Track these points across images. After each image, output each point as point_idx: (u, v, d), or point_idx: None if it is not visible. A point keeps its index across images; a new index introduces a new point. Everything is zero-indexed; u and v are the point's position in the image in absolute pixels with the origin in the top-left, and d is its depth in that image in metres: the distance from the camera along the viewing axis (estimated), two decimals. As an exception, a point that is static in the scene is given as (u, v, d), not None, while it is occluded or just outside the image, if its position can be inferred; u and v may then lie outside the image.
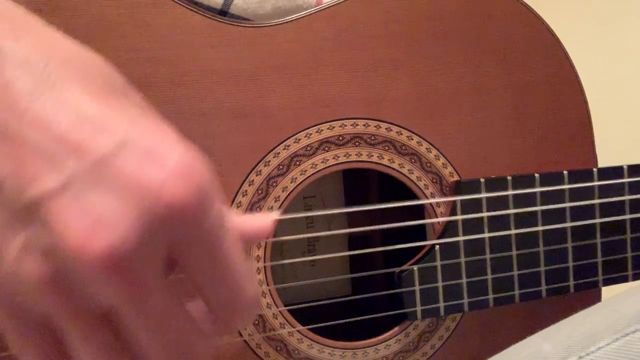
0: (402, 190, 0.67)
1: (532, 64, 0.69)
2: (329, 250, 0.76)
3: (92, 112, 0.31)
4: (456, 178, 0.67)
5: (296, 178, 0.63)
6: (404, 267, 0.66)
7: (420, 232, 0.69)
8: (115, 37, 0.57)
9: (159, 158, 0.31)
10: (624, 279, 0.71)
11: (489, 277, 0.67)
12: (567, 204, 0.68)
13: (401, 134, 0.65)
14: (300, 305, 0.65)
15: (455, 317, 0.68)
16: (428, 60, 0.66)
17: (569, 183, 0.68)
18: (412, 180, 0.66)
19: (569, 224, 0.68)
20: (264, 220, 0.41)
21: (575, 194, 0.68)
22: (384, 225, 0.64)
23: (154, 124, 0.33)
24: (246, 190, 0.61)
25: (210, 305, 0.35)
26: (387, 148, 0.65)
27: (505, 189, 0.67)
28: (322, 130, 0.63)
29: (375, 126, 0.65)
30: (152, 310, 0.32)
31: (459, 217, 0.66)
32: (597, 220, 0.69)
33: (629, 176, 0.70)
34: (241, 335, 0.62)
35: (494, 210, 0.66)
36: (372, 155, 0.65)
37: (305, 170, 0.63)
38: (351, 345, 0.65)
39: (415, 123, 0.66)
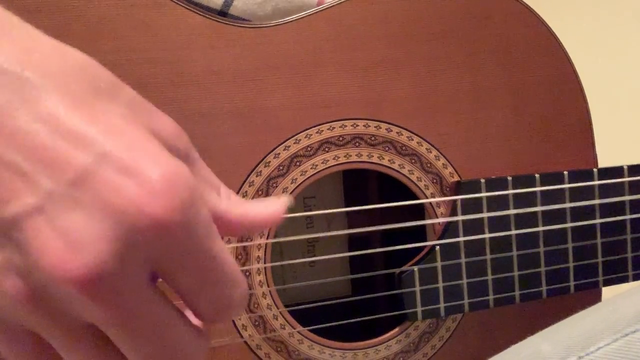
0: (402, 190, 0.67)
1: (532, 64, 0.69)
2: (329, 251, 0.76)
3: (69, 124, 0.30)
4: (456, 178, 0.67)
5: (296, 179, 0.63)
6: (404, 267, 0.66)
7: (420, 233, 0.68)
8: (115, 38, 0.57)
9: (138, 174, 0.30)
10: (624, 280, 0.70)
11: (489, 277, 0.67)
12: (568, 204, 0.68)
13: (401, 134, 0.65)
14: (300, 307, 0.65)
15: (455, 317, 0.68)
16: (428, 61, 0.66)
17: (569, 183, 0.68)
18: (412, 181, 0.66)
19: (569, 224, 0.68)
20: (276, 205, 0.39)
21: (576, 194, 0.68)
22: (384, 226, 0.64)
23: (135, 134, 0.32)
24: (246, 191, 0.61)
25: (201, 309, 0.34)
26: (387, 148, 0.65)
27: (506, 189, 0.67)
28: (323, 130, 0.63)
29: (375, 127, 0.64)
30: (138, 323, 0.32)
31: (459, 217, 0.66)
32: (598, 221, 0.69)
33: (629, 176, 0.69)
34: (241, 336, 0.62)
35: (495, 211, 0.66)
36: (373, 156, 0.65)
37: (306, 171, 0.63)
38: (351, 346, 0.65)
39: (416, 123, 0.66)
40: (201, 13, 0.59)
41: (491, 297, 0.67)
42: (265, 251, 0.62)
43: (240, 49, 0.60)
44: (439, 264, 0.65)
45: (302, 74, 0.62)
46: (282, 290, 0.68)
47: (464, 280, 0.66)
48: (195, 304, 0.34)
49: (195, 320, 0.35)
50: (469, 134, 0.67)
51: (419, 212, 0.68)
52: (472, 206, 0.66)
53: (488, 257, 0.66)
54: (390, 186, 0.69)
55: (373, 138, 0.65)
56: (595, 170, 0.69)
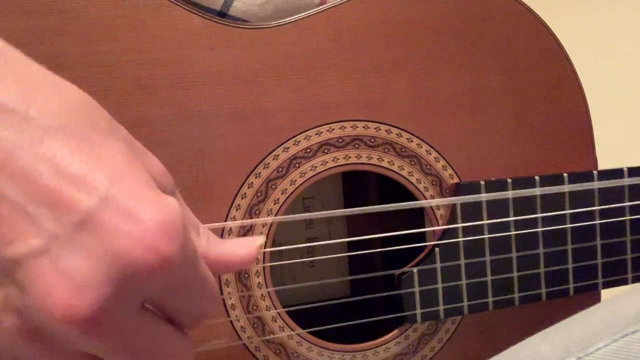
0: (401, 192, 0.67)
1: (532, 65, 0.69)
2: (328, 252, 0.76)
3: (73, 166, 0.31)
4: (456, 180, 0.67)
5: (295, 180, 0.63)
6: (404, 269, 0.65)
7: (419, 234, 0.68)
8: (113, 39, 0.56)
9: (140, 219, 0.31)
10: (624, 282, 0.70)
11: (489, 279, 0.67)
12: (567, 207, 0.68)
13: (401, 136, 0.65)
14: (299, 307, 0.65)
15: (455, 319, 0.68)
16: (428, 62, 0.66)
17: (569, 185, 0.68)
18: (411, 183, 0.66)
19: (568, 226, 0.68)
20: (250, 246, 0.41)
21: (575, 196, 0.68)
22: (383, 234, 0.64)
23: (136, 175, 0.33)
24: (245, 193, 0.61)
25: (182, 321, 0.36)
26: (386, 150, 0.65)
27: (506, 190, 0.66)
28: (322, 132, 0.63)
29: (375, 128, 0.64)
30: (136, 346, 0.33)
31: (459, 225, 0.65)
32: (597, 222, 0.69)
33: (629, 178, 0.69)
34: (240, 338, 0.62)
35: (494, 212, 0.66)
36: (372, 158, 0.65)
37: (305, 173, 0.63)
38: (350, 348, 0.65)
39: (416, 125, 0.66)
40: (200, 14, 0.59)
41: (490, 299, 0.67)
42: (264, 252, 0.62)
43: (239, 50, 0.60)
44: (438, 265, 0.65)
45: (302, 75, 0.62)
46: (281, 291, 0.68)
47: (463, 282, 0.66)
48: (177, 319, 0.36)
49: None
50: (469, 136, 0.67)
51: (419, 214, 0.68)
52: (472, 208, 0.66)
53: (487, 258, 0.66)
54: (390, 187, 0.69)
55: (372, 140, 0.64)
56: (595, 172, 0.69)
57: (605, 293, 0.70)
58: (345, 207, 0.77)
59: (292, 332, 0.63)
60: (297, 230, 0.75)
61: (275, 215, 0.62)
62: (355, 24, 0.63)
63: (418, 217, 0.69)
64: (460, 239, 0.65)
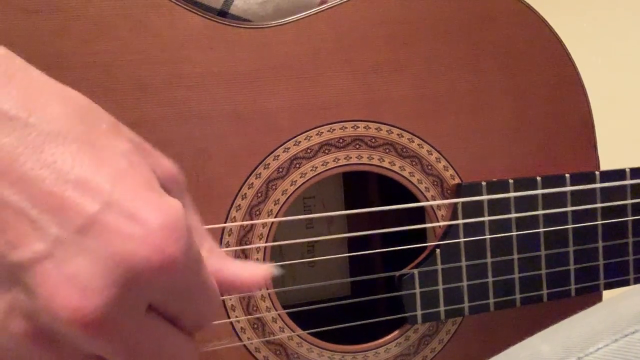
0: (403, 192, 0.67)
1: (534, 65, 0.69)
2: (329, 252, 0.76)
3: (75, 171, 0.31)
4: (457, 181, 0.67)
5: (296, 181, 0.63)
6: (404, 270, 0.65)
7: (420, 235, 0.68)
8: (113, 39, 0.56)
9: (142, 221, 0.31)
10: (626, 283, 0.70)
11: (490, 280, 0.66)
12: (569, 207, 0.67)
13: (402, 136, 0.65)
14: (299, 309, 0.65)
15: (455, 320, 0.68)
16: (429, 62, 0.65)
17: (571, 186, 0.68)
18: (413, 183, 0.66)
19: (570, 227, 0.68)
20: (258, 272, 0.41)
21: (577, 197, 0.68)
22: (383, 230, 0.64)
23: (138, 177, 0.33)
24: (245, 194, 0.61)
25: (185, 324, 0.36)
26: (387, 150, 0.65)
27: (507, 191, 0.66)
28: (323, 132, 0.63)
29: (376, 128, 0.64)
30: (141, 348, 0.33)
31: (460, 221, 0.65)
32: (599, 222, 0.68)
33: (631, 179, 0.69)
34: (240, 339, 0.62)
35: (496, 213, 0.66)
36: (373, 158, 0.65)
37: (305, 173, 0.63)
38: (351, 349, 0.65)
39: (417, 125, 0.65)
40: (200, 13, 0.59)
41: (492, 300, 0.67)
42: (264, 253, 0.62)
43: (239, 50, 0.60)
44: (439, 266, 0.65)
45: (302, 75, 0.62)
46: (281, 291, 0.68)
47: (464, 283, 0.66)
48: (180, 322, 0.36)
49: None
50: (471, 136, 0.67)
51: (420, 214, 0.68)
52: (473, 209, 0.66)
53: (489, 259, 0.66)
54: (391, 187, 0.69)
55: (373, 140, 0.64)
56: (597, 172, 0.69)
57: (606, 292, 0.70)
58: (346, 206, 0.77)
59: (293, 333, 0.63)
60: (297, 230, 0.75)
61: (276, 216, 0.62)
62: (356, 23, 0.63)
63: (419, 217, 0.68)
64: (462, 240, 0.65)
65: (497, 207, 0.66)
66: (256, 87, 0.60)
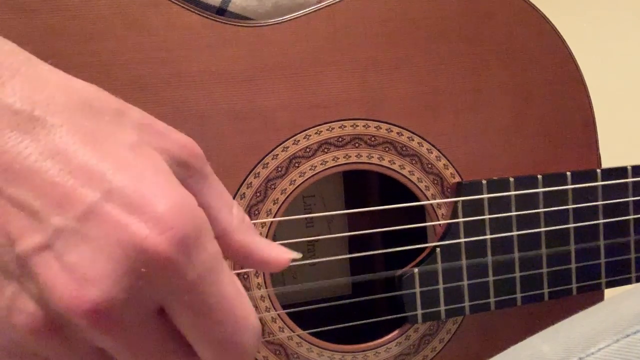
0: (403, 191, 0.67)
1: (535, 62, 0.68)
2: (329, 251, 0.76)
3: (77, 161, 0.31)
4: (458, 179, 0.66)
5: (295, 180, 0.62)
6: (405, 269, 0.65)
7: (420, 234, 0.68)
8: (111, 38, 0.56)
9: (144, 210, 0.31)
10: (628, 281, 0.70)
11: (491, 279, 0.66)
12: (570, 205, 0.67)
13: (402, 134, 0.65)
14: (299, 308, 0.64)
15: (456, 319, 0.68)
16: (429, 60, 0.65)
17: (572, 184, 0.67)
18: (413, 182, 0.66)
19: (571, 225, 0.67)
20: (284, 255, 0.39)
21: (578, 195, 0.68)
22: (384, 229, 0.63)
23: (142, 165, 0.32)
24: (244, 193, 0.61)
25: (205, 351, 0.34)
26: (387, 149, 0.64)
27: (508, 190, 0.66)
28: (322, 131, 0.63)
29: (375, 127, 0.64)
30: (143, 352, 0.33)
31: (460, 220, 0.65)
32: (601, 221, 0.68)
33: (633, 177, 0.69)
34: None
35: (496, 212, 0.66)
36: (373, 157, 0.64)
37: (304, 172, 0.62)
38: (351, 349, 0.65)
39: (416, 124, 0.65)
40: (198, 12, 0.58)
41: (492, 299, 0.66)
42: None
43: (237, 48, 0.60)
44: (439, 265, 0.65)
45: (301, 74, 0.62)
46: (281, 290, 0.67)
47: (465, 282, 0.65)
48: (199, 345, 0.34)
49: None
50: (471, 134, 0.67)
51: (420, 213, 0.68)
52: (474, 207, 0.65)
53: (489, 258, 0.66)
54: (391, 186, 0.68)
55: (373, 139, 0.64)
56: (598, 170, 0.68)
57: (608, 291, 0.70)
58: (346, 205, 0.77)
59: (292, 333, 0.63)
60: (297, 229, 0.75)
61: (275, 215, 0.62)
62: (355, 21, 0.63)
63: (419, 216, 0.68)
64: (462, 240, 0.65)
65: (498, 205, 0.66)
66: (255, 86, 0.60)
